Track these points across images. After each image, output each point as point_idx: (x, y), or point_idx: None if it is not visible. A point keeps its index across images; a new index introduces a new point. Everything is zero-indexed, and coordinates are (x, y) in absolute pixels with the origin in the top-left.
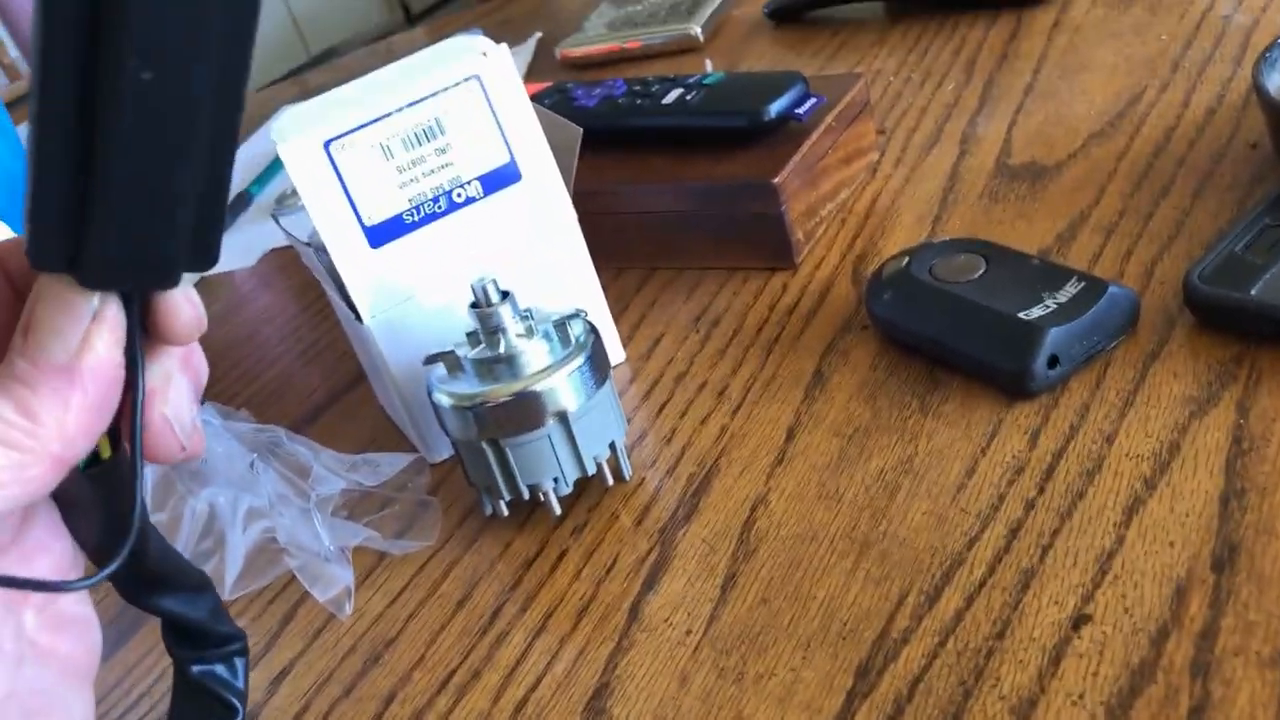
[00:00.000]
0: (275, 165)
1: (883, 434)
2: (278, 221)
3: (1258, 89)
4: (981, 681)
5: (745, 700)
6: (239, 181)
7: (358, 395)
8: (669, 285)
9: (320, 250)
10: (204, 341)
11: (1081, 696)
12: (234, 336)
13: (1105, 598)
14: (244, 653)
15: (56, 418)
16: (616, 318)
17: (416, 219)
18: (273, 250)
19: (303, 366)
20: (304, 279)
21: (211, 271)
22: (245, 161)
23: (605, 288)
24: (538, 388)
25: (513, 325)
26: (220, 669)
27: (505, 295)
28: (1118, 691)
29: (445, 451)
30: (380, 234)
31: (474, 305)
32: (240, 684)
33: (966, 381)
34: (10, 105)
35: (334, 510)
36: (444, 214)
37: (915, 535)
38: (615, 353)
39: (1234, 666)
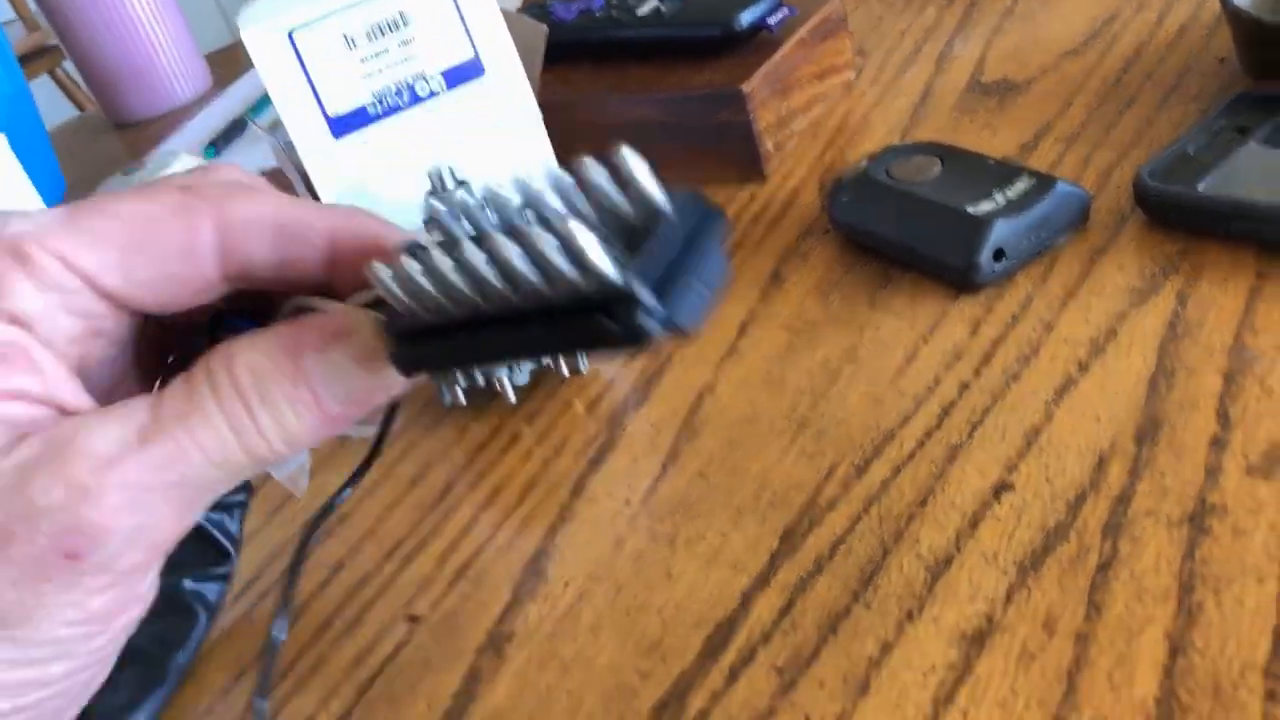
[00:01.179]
0: None
1: (831, 327)
2: (252, 121)
3: (1222, 0)
4: (900, 543)
5: (675, 560)
6: (236, 110)
7: None
8: None
9: (289, 146)
10: None
11: (996, 556)
12: None
13: (1028, 468)
14: (244, 505)
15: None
16: None
17: (379, 111)
18: (262, 173)
19: None
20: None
21: None
22: (246, 91)
23: None
24: None
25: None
26: (219, 515)
27: (462, 184)
28: (1031, 551)
29: None
30: (343, 125)
31: (431, 193)
32: (236, 532)
33: (918, 278)
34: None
35: None
36: (407, 107)
37: (852, 415)
38: None
39: (1144, 527)
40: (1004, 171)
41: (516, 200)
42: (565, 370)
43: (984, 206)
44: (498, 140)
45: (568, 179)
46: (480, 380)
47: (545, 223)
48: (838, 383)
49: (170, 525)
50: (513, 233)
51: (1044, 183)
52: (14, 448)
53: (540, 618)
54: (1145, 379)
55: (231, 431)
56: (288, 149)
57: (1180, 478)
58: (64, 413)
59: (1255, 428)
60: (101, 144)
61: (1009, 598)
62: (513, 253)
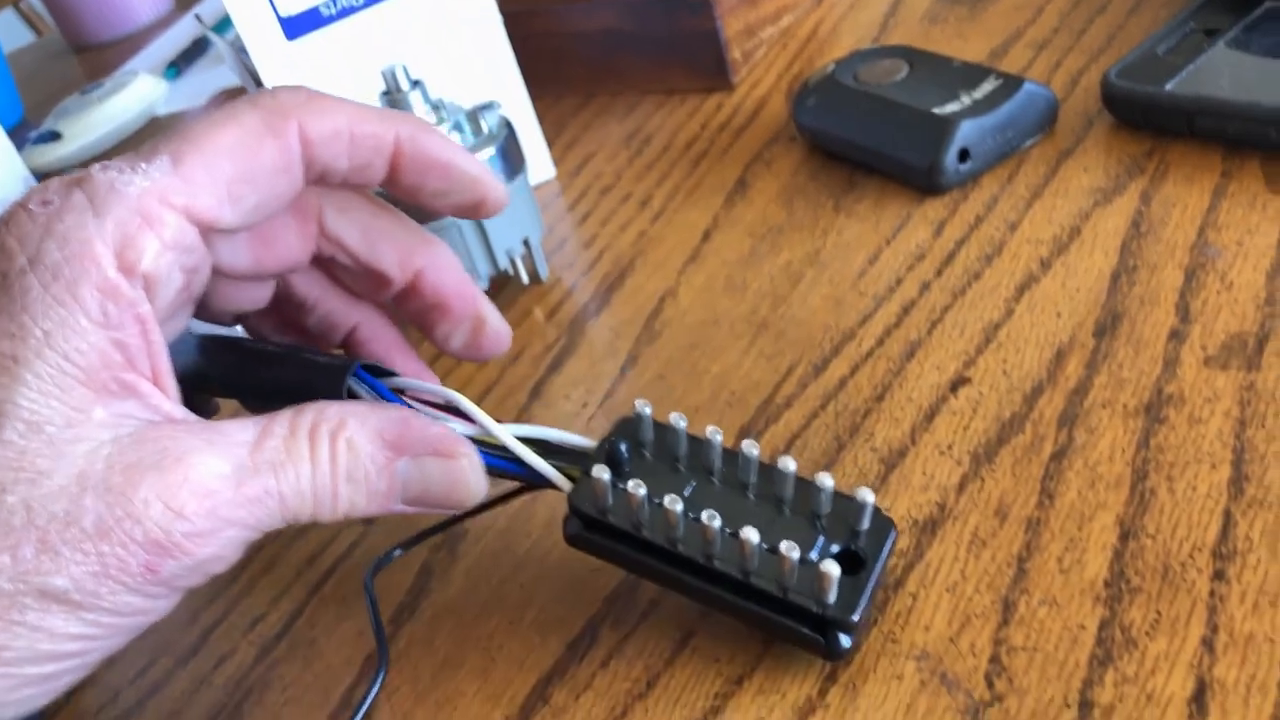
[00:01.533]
0: None
1: (795, 232)
2: (199, 19)
3: None
4: (856, 437)
5: None
6: (198, 30)
7: None
8: (606, 109)
9: (242, 51)
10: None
11: (950, 447)
12: None
13: (986, 363)
14: None
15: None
16: (551, 140)
17: (333, 12)
18: (223, 90)
19: None
20: None
21: (163, 111)
22: (209, 11)
23: (543, 114)
24: None
25: (422, 113)
26: None
27: (416, 84)
28: (985, 442)
29: None
30: (296, 26)
31: (384, 93)
32: None
33: (883, 182)
34: None
35: None
36: (361, 8)
37: (812, 316)
38: (545, 169)
39: (1100, 417)
40: (971, 73)
41: (749, 475)
42: (525, 278)
43: (949, 107)
44: (455, 43)
45: (792, 467)
46: None
47: (778, 513)
48: (799, 285)
49: (230, 557)
50: (755, 524)
51: (1011, 84)
52: (123, 445)
53: (495, 515)
54: (1107, 275)
55: (313, 496)
56: (240, 53)
57: (1137, 369)
58: (163, 413)
59: (1214, 320)
60: (60, 67)
61: (962, 487)
62: (754, 548)
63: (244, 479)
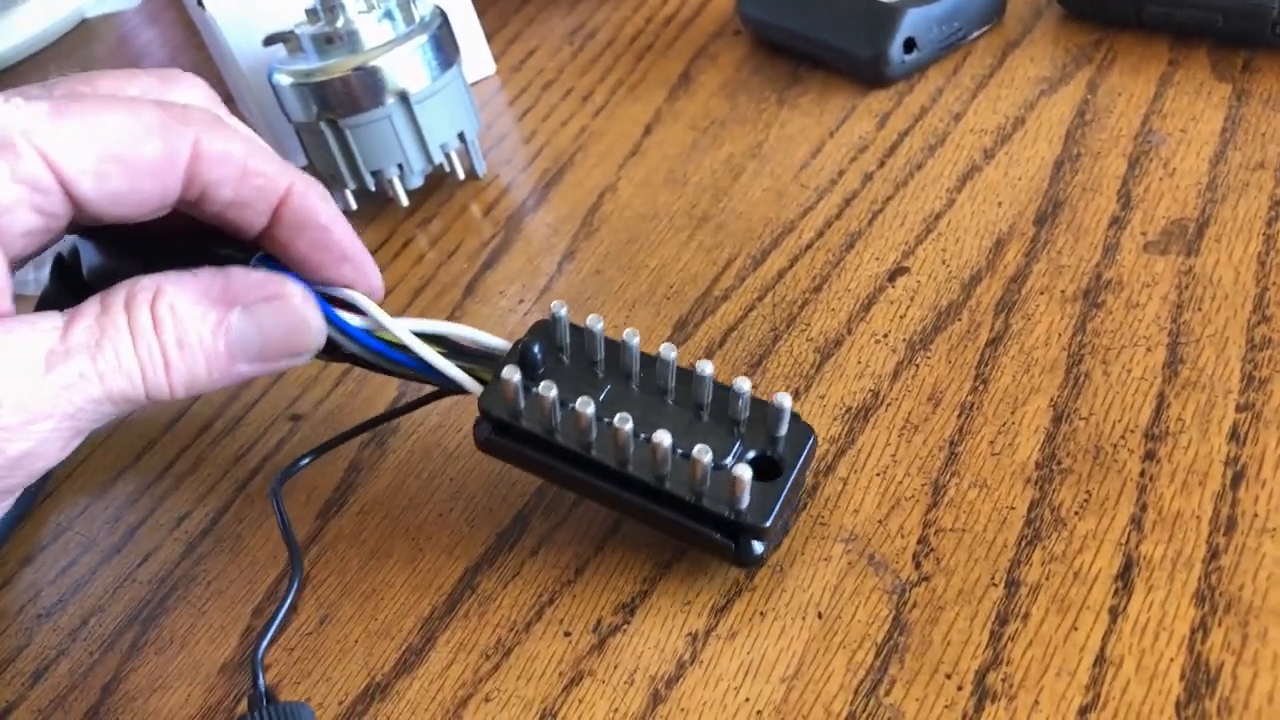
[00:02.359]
0: None
1: (737, 125)
2: None
3: None
4: (792, 328)
5: None
6: None
7: None
8: (550, 3)
9: None
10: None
11: (886, 335)
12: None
13: (925, 252)
14: None
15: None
16: (492, 34)
17: None
18: None
19: None
20: (184, 15)
21: (94, 13)
22: None
23: (484, 9)
24: (376, 63)
25: (352, 1)
26: None
27: None
28: (922, 330)
29: (300, 159)
30: None
31: (310, 10)
32: None
33: (828, 75)
34: None
35: None
36: None
37: (752, 209)
38: (485, 65)
39: (1038, 303)
40: None
41: (666, 379)
42: (461, 174)
43: None
44: None
45: (709, 371)
46: (371, 185)
47: (696, 419)
48: (740, 179)
49: (53, 453)
50: (670, 429)
51: None
52: None
53: (425, 412)
54: (1050, 164)
55: (139, 371)
56: None
57: (1077, 256)
58: None
59: (1155, 206)
60: None
61: (896, 374)
62: (667, 453)
63: (53, 364)
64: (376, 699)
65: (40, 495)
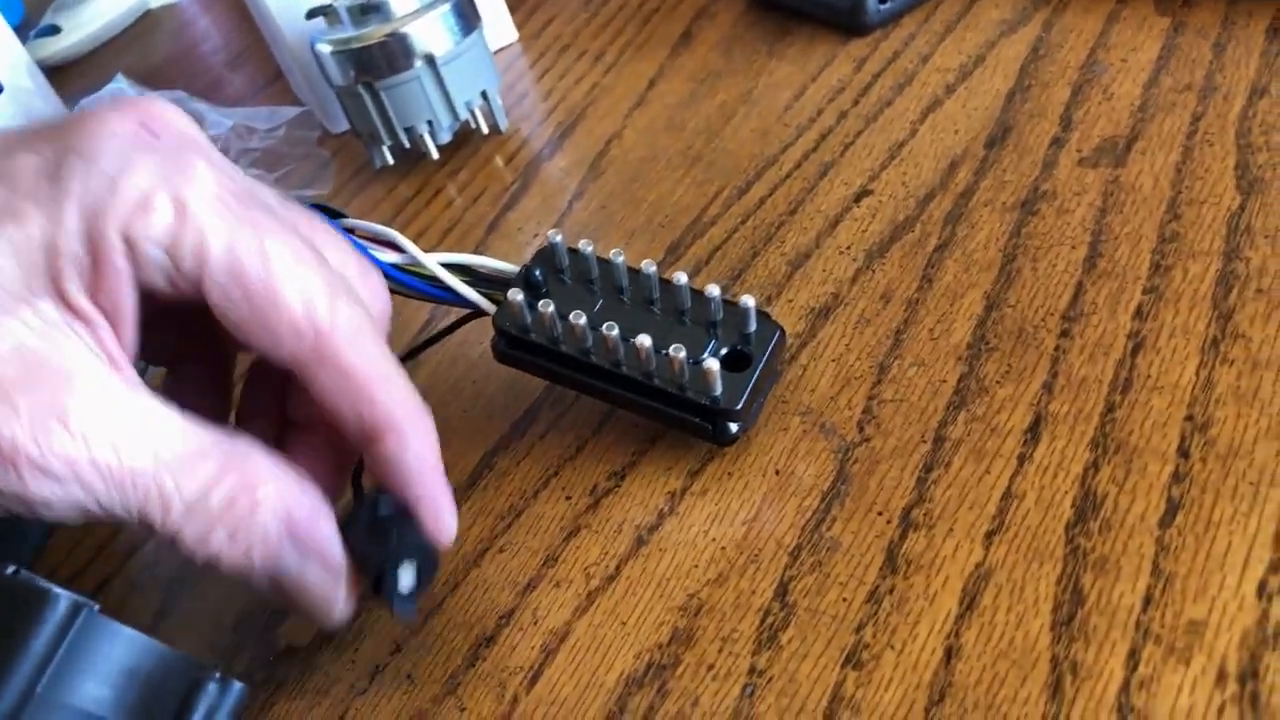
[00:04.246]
0: None
1: (731, 76)
2: None
3: None
4: (769, 245)
5: None
6: None
7: (276, 88)
8: None
9: None
10: (149, 62)
11: (849, 247)
12: (174, 51)
13: (888, 176)
14: None
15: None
16: (515, 6)
17: None
18: None
19: (229, 72)
20: (235, 1)
21: (156, 4)
22: None
23: None
24: (405, 30)
25: None
26: None
27: None
28: (879, 241)
29: (343, 123)
30: None
31: None
32: None
33: (815, 28)
34: None
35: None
36: None
37: (740, 147)
38: (508, 33)
39: (982, 214)
40: None
41: (650, 290)
42: (485, 128)
43: None
44: None
45: (684, 279)
46: (405, 141)
47: (679, 323)
48: (731, 121)
49: (61, 513)
50: (653, 333)
51: None
52: (39, 353)
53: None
54: (1003, 95)
55: (182, 514)
56: None
57: (1019, 172)
58: (106, 352)
59: (1092, 127)
60: None
61: (855, 279)
62: (650, 352)
63: (125, 455)
64: None
65: None
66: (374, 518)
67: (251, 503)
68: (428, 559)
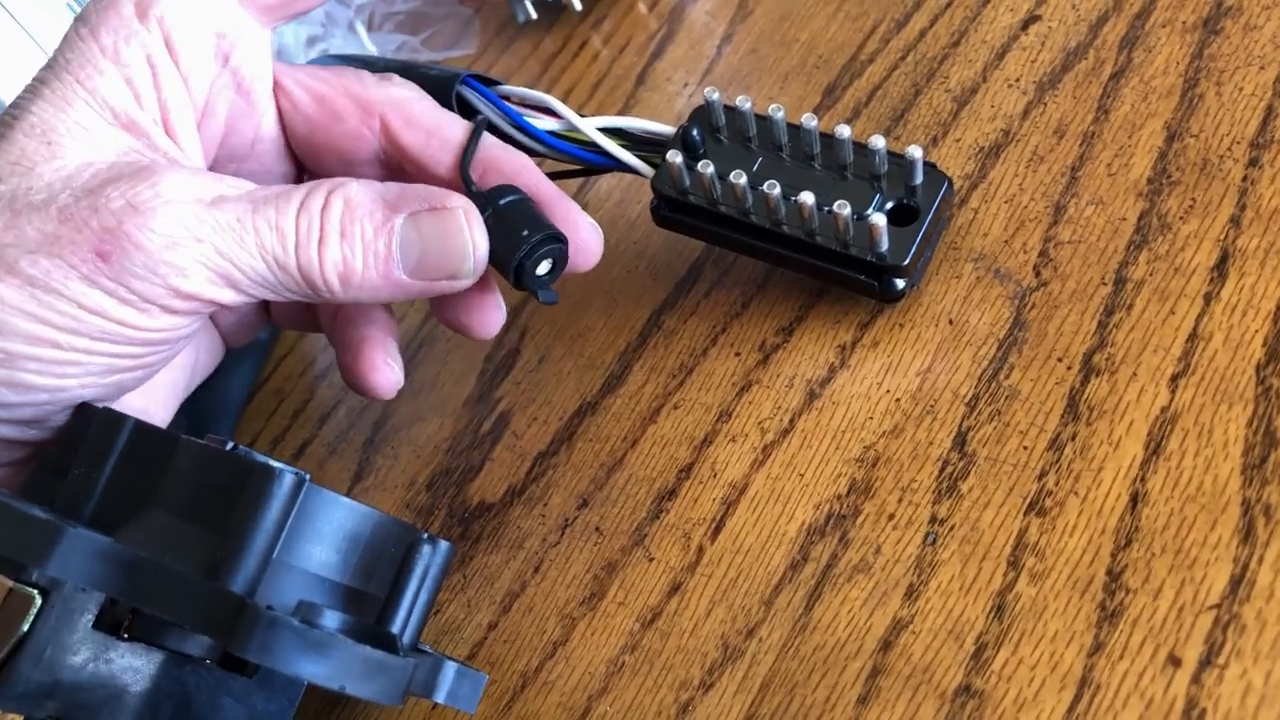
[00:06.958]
0: None
1: None
2: None
3: None
4: (932, 81)
5: None
6: None
7: None
8: None
9: None
10: None
11: (1018, 80)
12: None
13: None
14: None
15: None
16: None
17: None
18: None
19: None
20: None
21: None
22: None
23: None
24: None
25: None
26: None
27: None
28: (1051, 72)
29: None
30: None
31: None
32: None
33: None
34: None
35: (379, 29)
36: None
37: None
38: None
39: (1159, 36)
40: None
41: (811, 145)
42: None
43: None
44: None
45: (847, 133)
46: None
47: (841, 178)
48: None
49: (198, 282)
50: (815, 190)
51: None
52: (117, 167)
53: (610, 189)
54: None
55: (296, 239)
56: None
57: None
58: (167, 157)
59: None
60: None
61: (1026, 114)
62: (812, 210)
63: (219, 204)
64: (588, 414)
65: None
66: (494, 209)
67: (337, 195)
68: (556, 240)
